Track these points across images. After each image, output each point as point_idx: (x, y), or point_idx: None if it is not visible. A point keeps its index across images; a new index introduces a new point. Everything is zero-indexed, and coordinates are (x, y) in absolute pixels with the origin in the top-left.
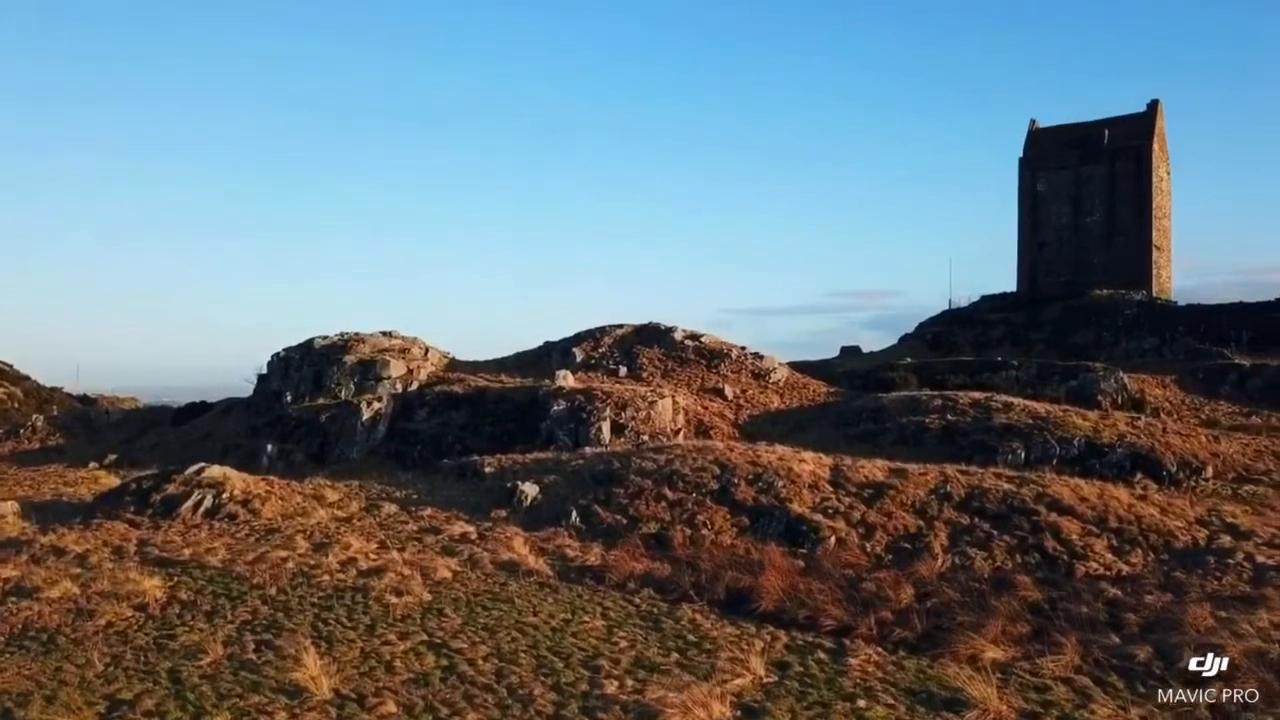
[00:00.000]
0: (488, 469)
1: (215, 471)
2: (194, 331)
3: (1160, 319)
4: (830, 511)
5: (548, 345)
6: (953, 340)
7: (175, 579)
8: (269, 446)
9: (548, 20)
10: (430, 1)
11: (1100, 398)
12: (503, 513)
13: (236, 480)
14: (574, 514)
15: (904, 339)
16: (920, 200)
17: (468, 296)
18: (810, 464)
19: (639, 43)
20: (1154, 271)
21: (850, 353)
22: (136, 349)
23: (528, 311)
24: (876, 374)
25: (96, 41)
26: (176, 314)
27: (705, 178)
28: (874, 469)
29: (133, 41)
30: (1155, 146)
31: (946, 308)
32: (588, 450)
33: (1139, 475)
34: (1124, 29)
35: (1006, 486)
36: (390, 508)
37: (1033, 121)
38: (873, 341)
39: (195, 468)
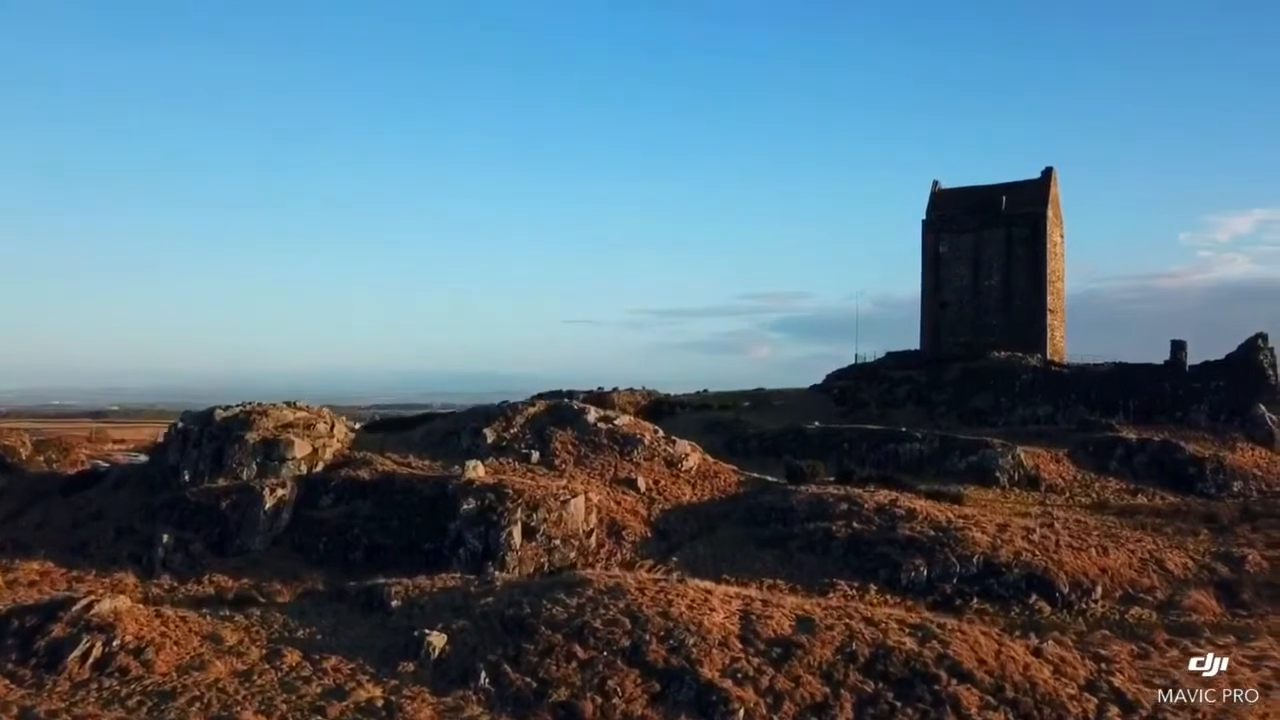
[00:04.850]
0: (395, 601)
1: (105, 608)
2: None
3: (1054, 386)
4: (739, 676)
5: (457, 421)
6: (859, 396)
7: None
8: (165, 537)
9: (432, 29)
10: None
11: (999, 474)
12: (410, 666)
13: (129, 621)
14: (483, 674)
15: (814, 389)
16: (826, 201)
17: (396, 289)
18: (720, 614)
19: (549, 43)
20: (1048, 334)
21: (761, 402)
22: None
23: (444, 315)
24: (786, 448)
25: None
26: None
27: (617, 177)
28: (782, 618)
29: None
30: (1050, 214)
31: (854, 362)
32: (498, 580)
33: (1034, 597)
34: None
35: (910, 646)
36: (293, 655)
37: (935, 183)
38: (782, 344)
39: (83, 602)
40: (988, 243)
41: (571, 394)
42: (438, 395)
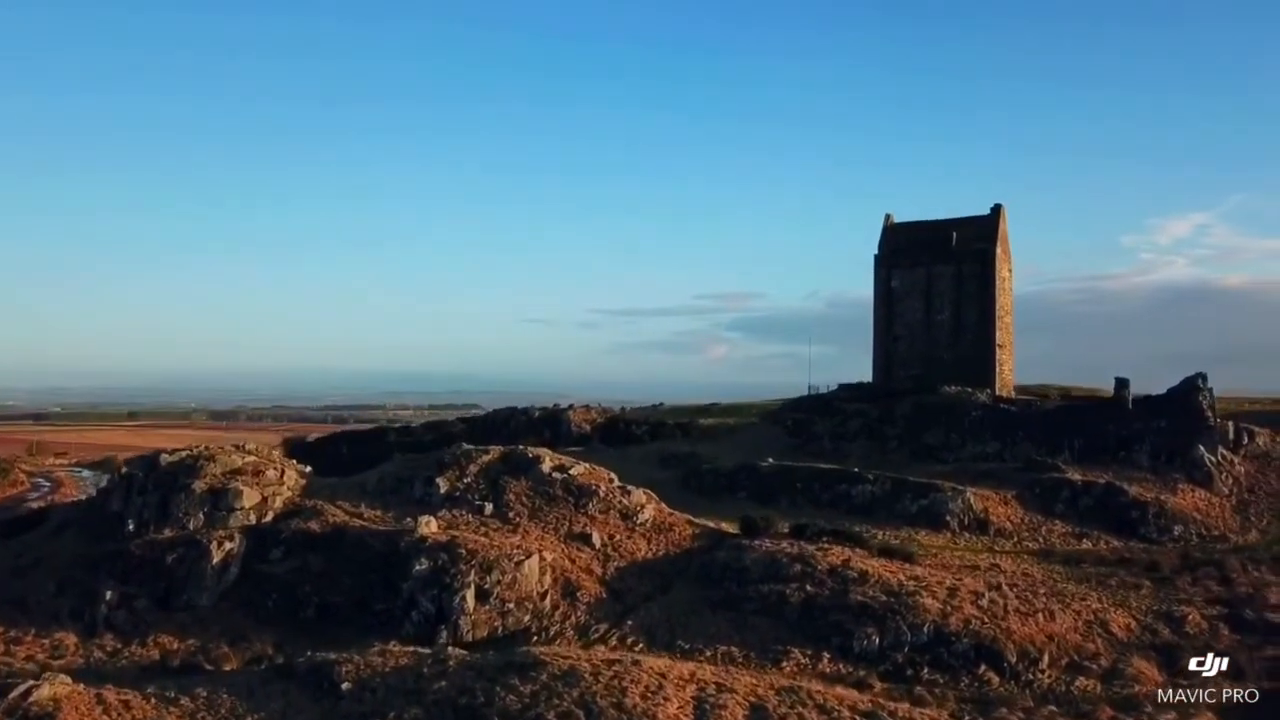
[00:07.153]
0: (345, 683)
1: (44, 695)
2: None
3: (1002, 423)
4: None
5: (410, 467)
6: (812, 429)
7: None
8: (108, 593)
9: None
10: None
11: (949, 518)
12: None
13: (69, 710)
14: None
15: (767, 420)
16: (781, 201)
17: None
18: (674, 703)
19: (503, 41)
20: (997, 368)
21: (716, 429)
22: None
23: (399, 313)
24: (741, 485)
25: None
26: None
27: (573, 177)
28: (736, 707)
29: None
30: (999, 250)
31: (806, 393)
32: (452, 658)
33: (983, 667)
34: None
35: None
36: None
37: (888, 216)
38: (739, 344)
39: (23, 688)
40: (939, 278)
41: (528, 410)
42: (391, 395)
